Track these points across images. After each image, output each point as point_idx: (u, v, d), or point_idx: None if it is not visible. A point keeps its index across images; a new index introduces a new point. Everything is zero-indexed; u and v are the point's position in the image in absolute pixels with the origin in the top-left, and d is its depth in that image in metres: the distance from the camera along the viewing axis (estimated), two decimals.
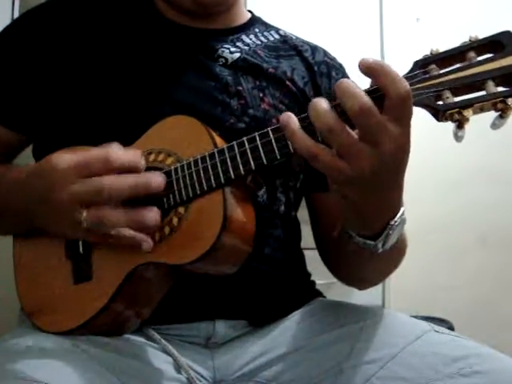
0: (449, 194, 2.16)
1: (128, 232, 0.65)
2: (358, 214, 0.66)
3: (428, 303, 2.05)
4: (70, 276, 0.72)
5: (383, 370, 0.69)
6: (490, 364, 0.67)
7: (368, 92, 0.57)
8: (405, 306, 1.74)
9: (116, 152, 0.66)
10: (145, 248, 0.65)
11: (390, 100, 0.56)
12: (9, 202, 0.76)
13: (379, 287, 1.73)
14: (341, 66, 0.97)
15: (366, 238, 0.68)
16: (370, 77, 0.57)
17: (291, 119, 0.59)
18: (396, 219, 0.66)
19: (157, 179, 0.66)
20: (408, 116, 0.57)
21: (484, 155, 2.13)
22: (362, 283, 0.90)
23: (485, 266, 2.16)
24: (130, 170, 0.66)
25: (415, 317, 0.83)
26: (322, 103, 0.57)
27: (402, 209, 0.67)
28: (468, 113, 0.58)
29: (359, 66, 0.57)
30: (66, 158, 0.67)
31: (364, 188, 0.60)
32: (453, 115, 0.58)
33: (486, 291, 2.14)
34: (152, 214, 0.65)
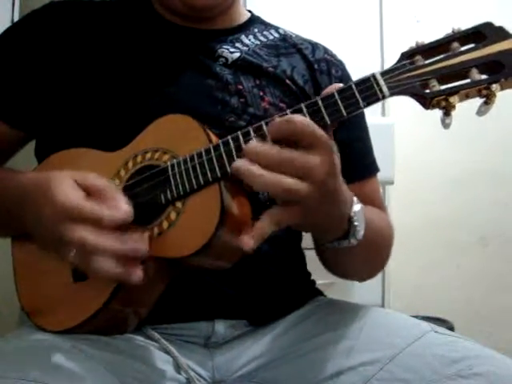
0: (449, 193, 2.16)
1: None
2: (319, 233, 0.72)
3: (428, 303, 2.05)
4: (70, 274, 0.72)
5: (383, 371, 0.69)
6: (490, 365, 0.66)
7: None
8: (405, 306, 1.74)
9: (109, 214, 0.62)
10: (134, 280, 0.62)
11: (297, 135, 0.59)
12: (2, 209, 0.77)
13: (379, 287, 1.72)
14: (341, 62, 0.97)
15: (337, 240, 0.71)
16: (281, 137, 0.60)
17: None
18: (354, 210, 0.69)
19: (141, 248, 0.62)
20: (318, 141, 0.59)
21: (484, 155, 2.13)
22: (355, 277, 0.92)
23: (485, 266, 2.16)
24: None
25: (415, 317, 0.82)
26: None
27: (354, 198, 0.69)
28: (454, 99, 0.60)
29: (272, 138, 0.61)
30: (63, 196, 0.64)
31: (320, 213, 0.63)
32: (440, 102, 0.60)
33: (485, 291, 2.14)
34: (137, 274, 0.61)
